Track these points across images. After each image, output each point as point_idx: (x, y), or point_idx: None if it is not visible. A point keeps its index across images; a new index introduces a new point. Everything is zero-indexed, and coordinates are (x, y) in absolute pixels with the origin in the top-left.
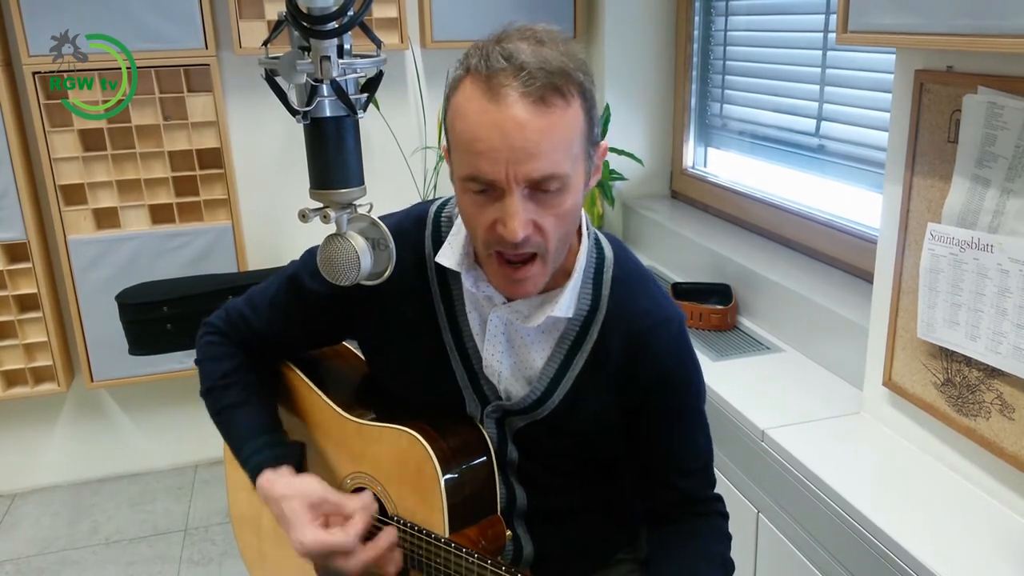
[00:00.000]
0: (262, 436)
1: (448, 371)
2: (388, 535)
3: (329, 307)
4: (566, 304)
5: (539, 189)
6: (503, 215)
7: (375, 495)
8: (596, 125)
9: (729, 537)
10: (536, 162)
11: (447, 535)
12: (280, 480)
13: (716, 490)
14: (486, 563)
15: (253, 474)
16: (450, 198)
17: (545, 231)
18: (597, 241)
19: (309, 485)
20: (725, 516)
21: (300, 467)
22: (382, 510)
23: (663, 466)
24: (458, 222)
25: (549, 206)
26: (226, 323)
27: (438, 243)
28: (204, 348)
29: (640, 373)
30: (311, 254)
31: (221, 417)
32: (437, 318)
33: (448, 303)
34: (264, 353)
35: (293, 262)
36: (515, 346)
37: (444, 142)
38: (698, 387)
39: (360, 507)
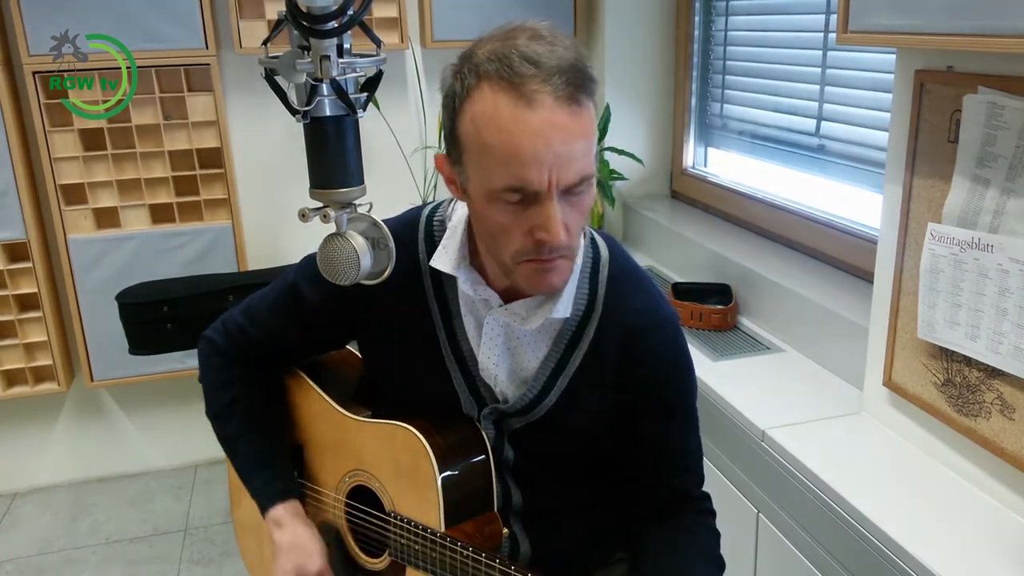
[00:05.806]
0: (266, 470)
1: (444, 375)
2: None
3: (328, 313)
4: (564, 305)
5: (570, 192)
6: (543, 221)
7: (372, 491)
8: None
9: (719, 534)
10: (575, 165)
11: (443, 531)
12: (292, 527)
13: (714, 489)
14: (480, 556)
15: (263, 506)
16: (441, 202)
17: (572, 231)
18: (592, 240)
19: (314, 549)
20: (713, 514)
21: (301, 497)
22: (379, 506)
23: (656, 463)
24: (451, 225)
25: (575, 205)
26: (224, 338)
27: (431, 247)
28: (206, 371)
29: (636, 371)
30: (309, 261)
31: (226, 445)
32: (432, 322)
33: (443, 307)
34: (265, 363)
35: (290, 270)
36: (511, 348)
37: (444, 151)
38: (692, 386)
39: None
